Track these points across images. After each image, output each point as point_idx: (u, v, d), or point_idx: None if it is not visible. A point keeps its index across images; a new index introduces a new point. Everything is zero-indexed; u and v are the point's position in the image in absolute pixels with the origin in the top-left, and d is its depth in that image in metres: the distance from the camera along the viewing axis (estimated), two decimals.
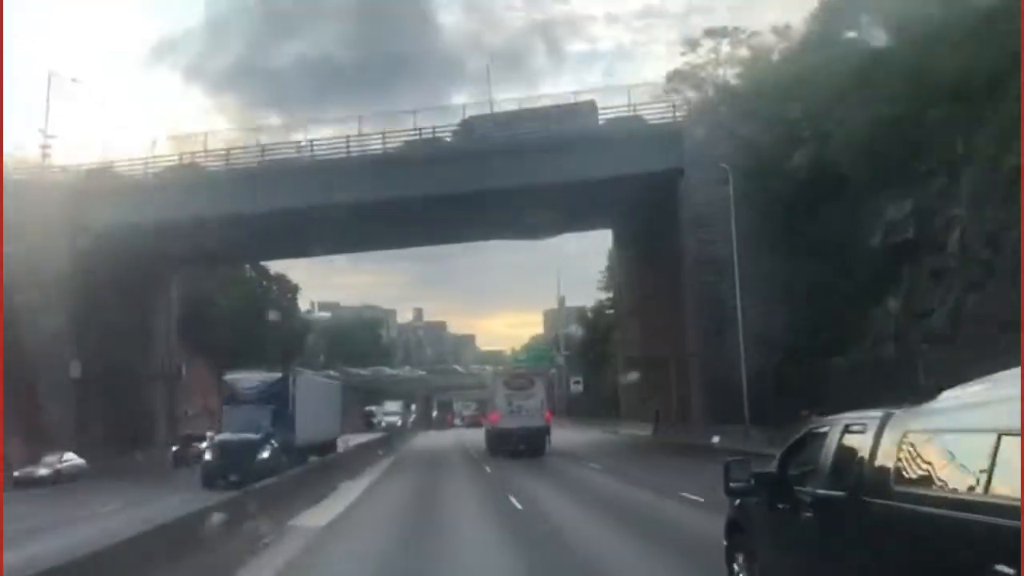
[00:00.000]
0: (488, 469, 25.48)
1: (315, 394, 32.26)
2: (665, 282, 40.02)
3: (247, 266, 76.73)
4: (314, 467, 22.81)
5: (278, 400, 26.80)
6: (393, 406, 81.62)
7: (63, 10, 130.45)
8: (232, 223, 38.13)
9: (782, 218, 32.78)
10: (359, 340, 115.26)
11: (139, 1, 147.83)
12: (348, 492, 20.05)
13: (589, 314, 79.85)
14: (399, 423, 73.02)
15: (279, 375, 28.80)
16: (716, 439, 30.80)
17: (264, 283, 78.83)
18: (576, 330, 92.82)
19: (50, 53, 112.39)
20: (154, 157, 38.64)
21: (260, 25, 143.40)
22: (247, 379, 28.48)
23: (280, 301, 79.78)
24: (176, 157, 38.79)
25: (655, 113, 38.37)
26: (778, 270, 33.40)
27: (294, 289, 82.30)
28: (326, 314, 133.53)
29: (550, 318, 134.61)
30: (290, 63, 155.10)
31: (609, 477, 22.12)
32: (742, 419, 30.75)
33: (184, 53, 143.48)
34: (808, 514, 5.67)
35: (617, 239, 50.50)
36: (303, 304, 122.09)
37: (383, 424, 70.75)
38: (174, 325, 53.57)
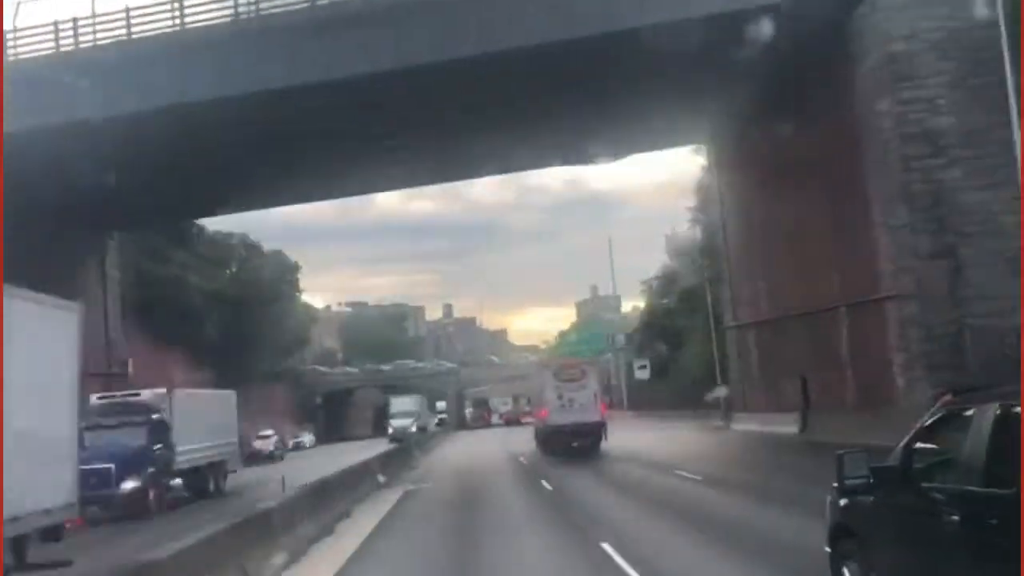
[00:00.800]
0: (621, 561, 8.97)
1: None
2: (819, 190, 25.57)
3: (233, 241, 63.26)
4: None
5: None
6: (405, 403, 60.53)
7: None
8: (135, 131, 24.40)
9: None
10: (384, 335, 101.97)
11: None
12: None
13: (652, 283, 64.86)
14: (414, 427, 53.44)
15: None
16: None
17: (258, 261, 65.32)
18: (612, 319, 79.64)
19: None
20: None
21: None
22: None
23: (277, 283, 66.02)
24: (49, 31, 24.82)
25: None
26: None
27: (293, 269, 68.41)
28: (347, 308, 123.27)
29: (584, 309, 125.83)
30: None
31: None
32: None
33: None
34: (952, 516, 4.55)
35: (719, 151, 35.70)
36: (320, 303, 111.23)
37: (390, 430, 53.20)
38: (116, 308, 40.05)
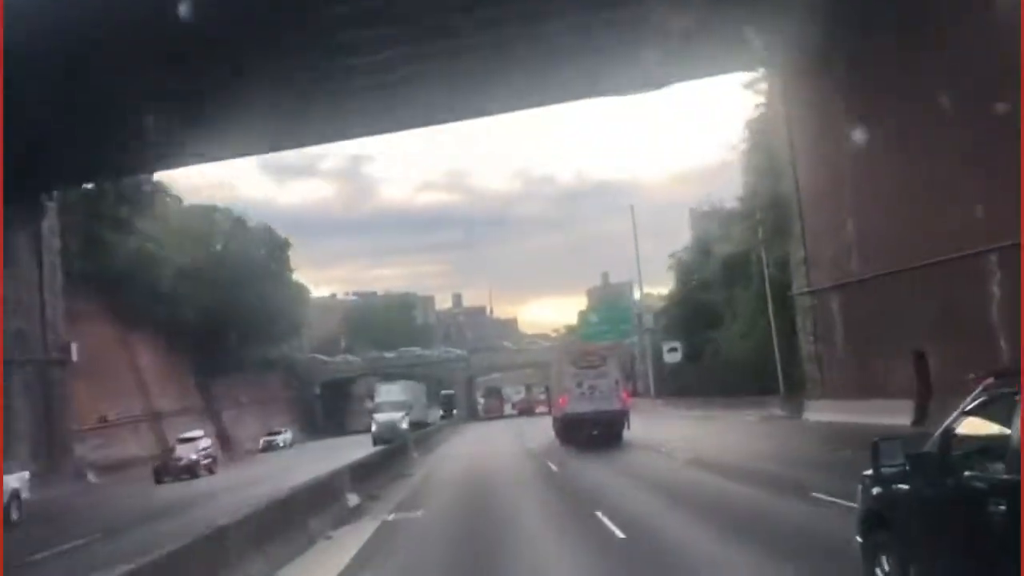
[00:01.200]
0: None
1: None
2: (953, 93, 18.71)
3: (215, 215, 56.79)
4: None
5: None
6: (393, 392, 50.50)
7: None
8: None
9: None
10: (391, 324, 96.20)
11: None
12: None
13: (680, 257, 57.84)
14: (405, 423, 43.00)
15: None
16: None
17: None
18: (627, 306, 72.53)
19: None
20: None
21: None
22: None
23: (266, 261, 59.46)
24: None
25: None
26: None
27: (283, 245, 61.71)
28: (353, 297, 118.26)
29: (595, 296, 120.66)
30: None
31: None
32: None
33: None
34: (999, 506, 4.17)
35: (789, 73, 28.72)
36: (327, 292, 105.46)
37: (374, 427, 42.79)
38: (56, 281, 33.62)
